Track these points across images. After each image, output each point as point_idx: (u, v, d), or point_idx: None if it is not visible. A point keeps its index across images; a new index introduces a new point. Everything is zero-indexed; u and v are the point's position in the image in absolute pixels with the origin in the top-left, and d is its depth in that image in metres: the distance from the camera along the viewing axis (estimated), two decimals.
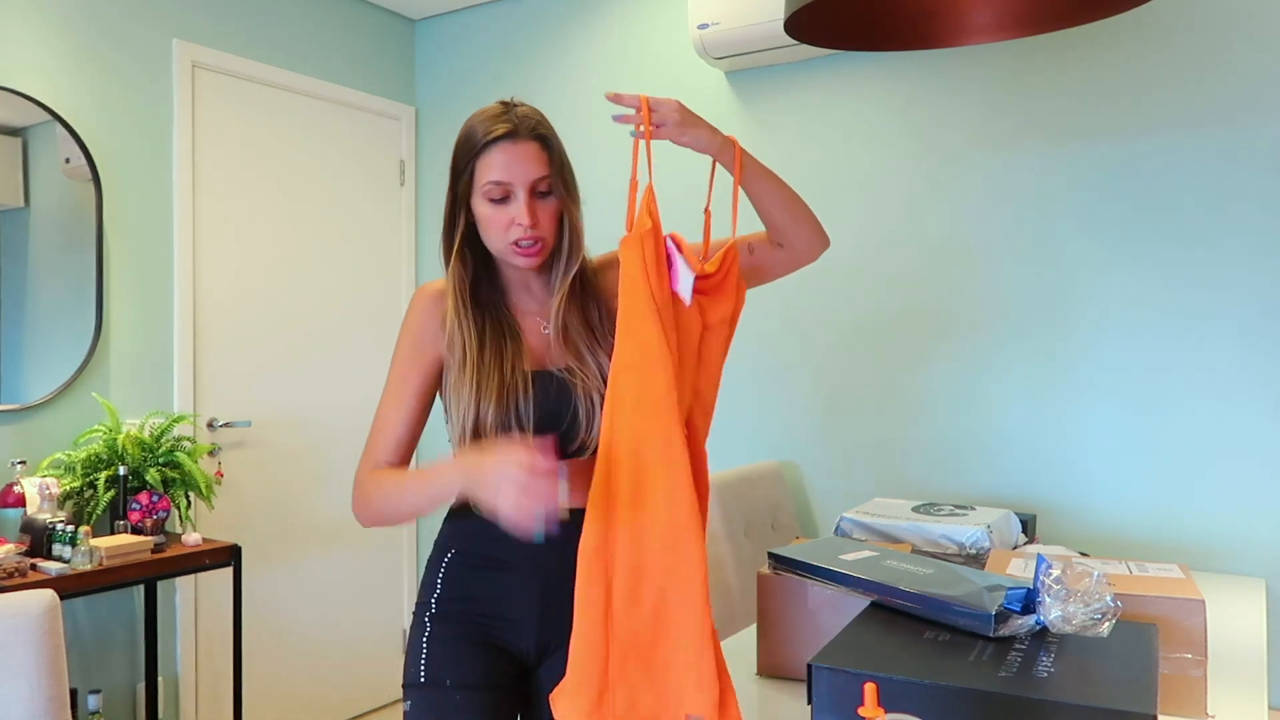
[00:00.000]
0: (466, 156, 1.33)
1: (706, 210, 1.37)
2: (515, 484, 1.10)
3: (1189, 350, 2.27)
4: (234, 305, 3.08)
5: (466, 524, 1.37)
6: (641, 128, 1.28)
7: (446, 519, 1.41)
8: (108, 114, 2.75)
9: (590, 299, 1.41)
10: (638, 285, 1.22)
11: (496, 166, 1.30)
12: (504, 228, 1.32)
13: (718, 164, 1.36)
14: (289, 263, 3.25)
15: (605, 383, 1.35)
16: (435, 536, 1.45)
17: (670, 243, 1.27)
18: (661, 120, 1.29)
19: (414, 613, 1.41)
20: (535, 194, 1.32)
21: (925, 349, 2.60)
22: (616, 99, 1.30)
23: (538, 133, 1.32)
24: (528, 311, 1.40)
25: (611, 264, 1.43)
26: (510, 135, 1.30)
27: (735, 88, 2.94)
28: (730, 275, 1.33)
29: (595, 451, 1.35)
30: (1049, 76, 2.43)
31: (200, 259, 2.99)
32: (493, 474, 1.13)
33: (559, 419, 1.33)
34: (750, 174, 1.34)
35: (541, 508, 1.10)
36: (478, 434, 1.30)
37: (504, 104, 1.35)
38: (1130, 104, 2.33)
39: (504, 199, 1.31)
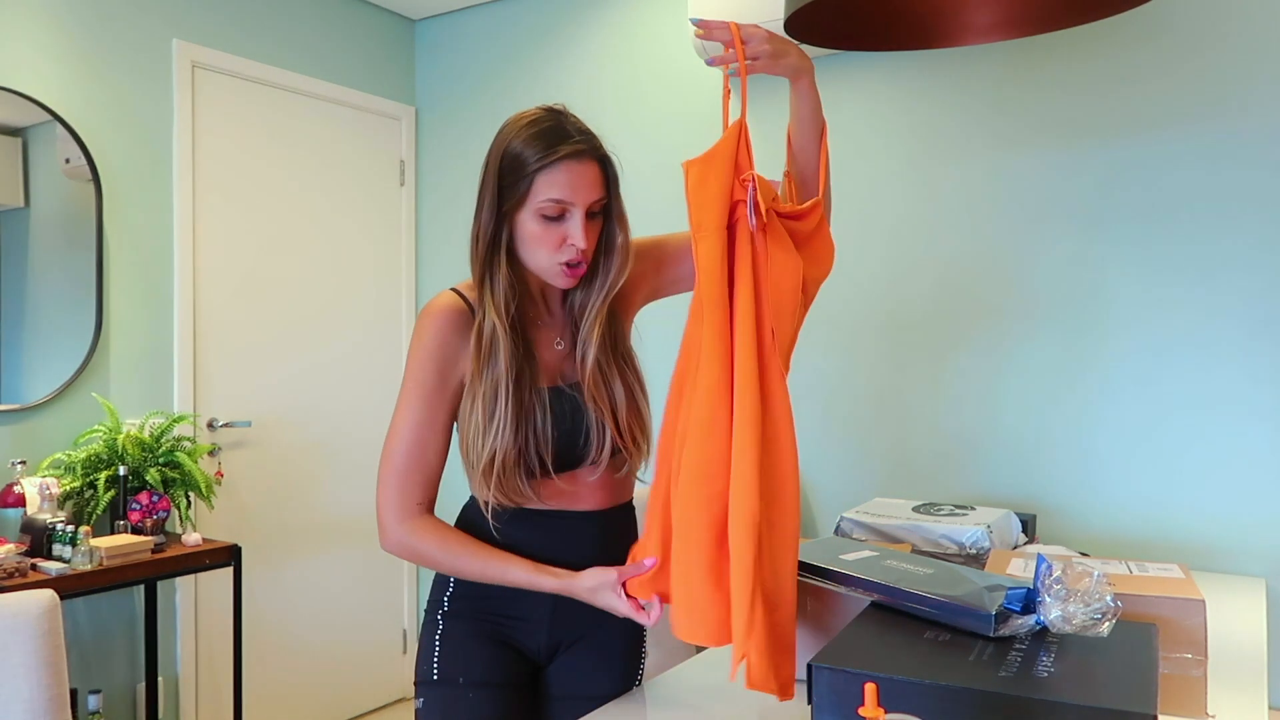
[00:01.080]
0: (524, 169, 1.26)
1: (788, 175, 1.34)
2: (613, 599, 1.25)
3: (1190, 350, 2.27)
4: (234, 305, 3.08)
5: (480, 523, 1.35)
6: (735, 66, 1.26)
7: (460, 517, 1.40)
8: (108, 114, 2.75)
9: (611, 316, 1.38)
10: (708, 212, 1.17)
11: (560, 185, 1.25)
12: (555, 247, 1.28)
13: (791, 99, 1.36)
14: (289, 263, 3.25)
15: (613, 400, 1.34)
16: None
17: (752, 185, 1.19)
18: (755, 54, 1.28)
19: (425, 610, 1.41)
20: (588, 215, 1.29)
21: (925, 349, 2.60)
22: (705, 30, 1.26)
23: (601, 153, 1.30)
24: (540, 325, 1.37)
25: (638, 255, 1.41)
26: (578, 155, 1.26)
27: (735, 87, 2.93)
28: (820, 231, 1.27)
29: (606, 467, 1.35)
30: (1052, 76, 2.43)
31: (200, 259, 2.99)
32: (589, 596, 1.27)
33: (575, 438, 1.33)
34: (818, 115, 1.35)
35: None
36: (489, 472, 1.27)
37: (552, 112, 1.30)
38: (1135, 103, 2.33)
39: (558, 217, 1.27)
